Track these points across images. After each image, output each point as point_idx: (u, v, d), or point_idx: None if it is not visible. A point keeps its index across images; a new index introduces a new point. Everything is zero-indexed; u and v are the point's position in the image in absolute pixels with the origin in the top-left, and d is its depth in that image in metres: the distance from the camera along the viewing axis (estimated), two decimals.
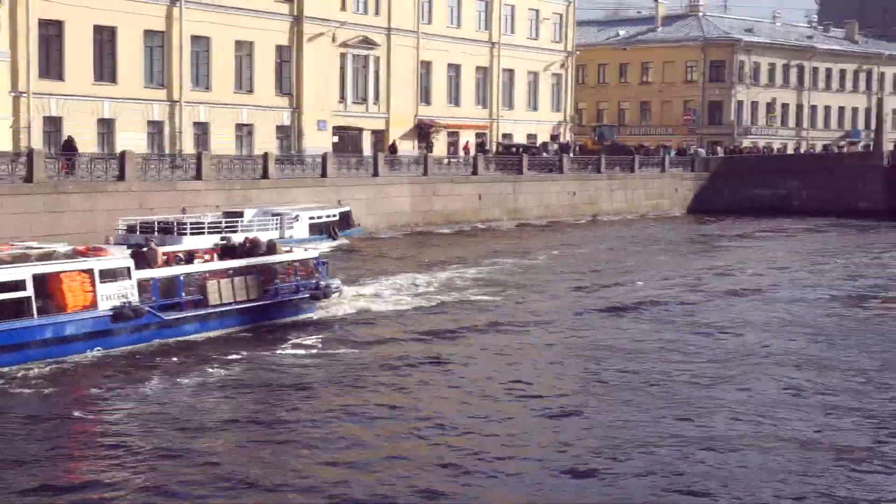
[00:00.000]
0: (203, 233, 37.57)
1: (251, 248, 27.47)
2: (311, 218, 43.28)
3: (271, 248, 27.58)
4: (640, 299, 32.28)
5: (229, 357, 22.73)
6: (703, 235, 57.28)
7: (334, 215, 44.57)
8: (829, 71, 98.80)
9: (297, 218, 42.38)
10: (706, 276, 38.84)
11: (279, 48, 58.35)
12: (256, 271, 26.42)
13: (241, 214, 40.60)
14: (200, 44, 54.52)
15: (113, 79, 51.08)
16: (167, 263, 25.33)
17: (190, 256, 26.49)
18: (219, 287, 25.20)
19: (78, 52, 49.40)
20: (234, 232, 39.00)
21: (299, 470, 15.23)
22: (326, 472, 15.22)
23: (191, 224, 37.60)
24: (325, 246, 43.35)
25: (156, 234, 37.22)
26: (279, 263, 27.17)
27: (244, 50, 56.78)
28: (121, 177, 40.84)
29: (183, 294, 24.52)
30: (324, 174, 49.53)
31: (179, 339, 24.05)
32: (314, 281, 27.80)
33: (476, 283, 34.63)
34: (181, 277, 24.64)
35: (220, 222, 39.01)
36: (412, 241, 49.15)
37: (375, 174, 52.17)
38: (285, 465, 15.40)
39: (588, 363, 23.23)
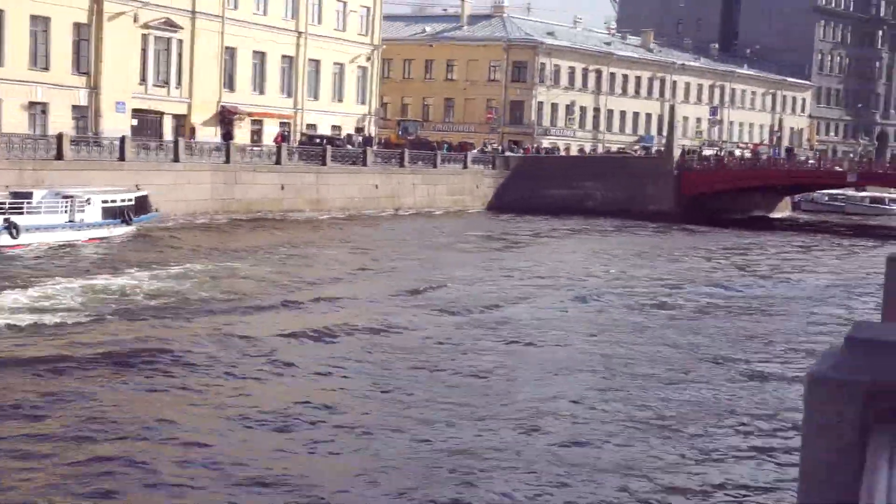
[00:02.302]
0: None
1: None
2: (105, 202, 42.06)
3: None
4: (403, 303, 30.57)
5: None
6: (493, 233, 57.17)
7: (130, 200, 43.43)
8: (625, 77, 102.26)
9: (88, 201, 41.14)
10: (487, 277, 38.11)
11: (77, 25, 56.36)
12: None
13: (29, 195, 39.22)
14: None
15: None
16: None
17: None
18: None
19: None
20: (20, 213, 37.75)
21: None
22: None
23: None
24: (119, 231, 42.36)
25: None
26: None
27: (40, 25, 54.60)
28: None
29: None
30: (122, 157, 48.32)
31: None
32: None
33: (184, 290, 30.37)
34: None
35: (5, 203, 37.65)
36: (198, 231, 47.94)
37: (176, 160, 51.17)
38: None
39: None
